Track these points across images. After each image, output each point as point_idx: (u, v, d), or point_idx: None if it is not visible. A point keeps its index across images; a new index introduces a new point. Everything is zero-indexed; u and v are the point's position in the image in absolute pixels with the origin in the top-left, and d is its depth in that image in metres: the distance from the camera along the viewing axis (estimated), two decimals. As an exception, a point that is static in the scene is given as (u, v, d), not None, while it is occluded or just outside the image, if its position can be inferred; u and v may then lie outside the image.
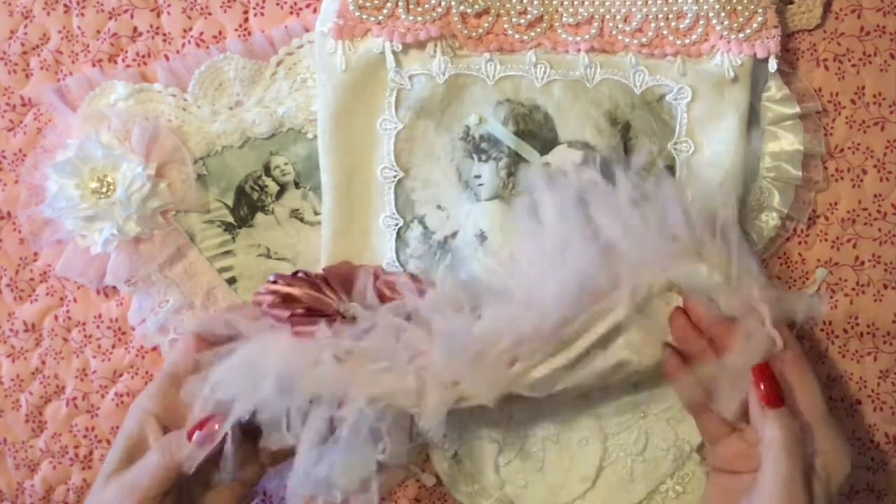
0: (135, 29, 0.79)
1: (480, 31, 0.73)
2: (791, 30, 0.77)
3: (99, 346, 0.81)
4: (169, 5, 0.79)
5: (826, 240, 0.80)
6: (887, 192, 0.80)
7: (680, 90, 0.74)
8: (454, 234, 0.76)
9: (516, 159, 0.74)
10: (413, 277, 0.74)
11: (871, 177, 0.80)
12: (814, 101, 0.78)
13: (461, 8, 0.73)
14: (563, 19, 0.73)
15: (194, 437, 0.65)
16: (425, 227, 0.76)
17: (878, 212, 0.80)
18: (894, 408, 0.81)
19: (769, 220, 0.78)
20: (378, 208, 0.76)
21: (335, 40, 0.73)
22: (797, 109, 0.77)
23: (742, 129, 0.74)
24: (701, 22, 0.73)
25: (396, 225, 0.76)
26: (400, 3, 0.72)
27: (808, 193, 0.79)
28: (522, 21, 0.73)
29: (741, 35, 0.72)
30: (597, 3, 0.73)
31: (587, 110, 0.74)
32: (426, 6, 0.73)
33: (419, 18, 0.73)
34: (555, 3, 0.73)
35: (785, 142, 0.77)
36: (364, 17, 0.73)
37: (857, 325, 0.81)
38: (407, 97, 0.75)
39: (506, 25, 0.74)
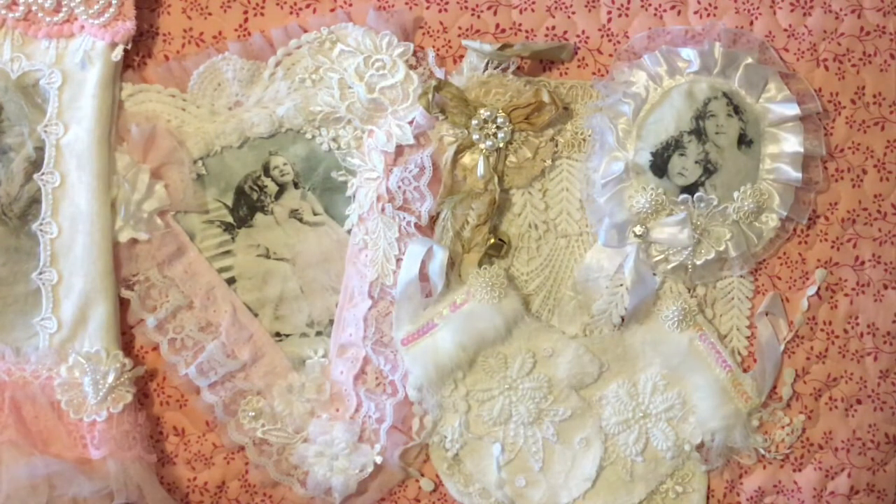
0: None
1: None
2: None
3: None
4: (169, 5, 0.79)
5: (826, 240, 0.80)
6: (887, 192, 0.80)
7: (51, 74, 0.75)
8: None
9: None
10: None
11: (871, 177, 0.80)
12: (814, 101, 0.78)
13: None
14: None
15: None
16: None
17: (879, 212, 0.80)
18: (894, 408, 0.81)
19: (769, 222, 0.78)
20: None
21: None
22: (797, 111, 0.76)
23: (101, 112, 0.74)
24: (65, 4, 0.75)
25: None
26: None
27: (807, 194, 0.79)
28: None
29: (100, 21, 0.74)
30: None
31: None
32: None
33: None
34: None
35: (785, 144, 0.77)
36: None
37: (857, 325, 0.81)
38: None
39: None
